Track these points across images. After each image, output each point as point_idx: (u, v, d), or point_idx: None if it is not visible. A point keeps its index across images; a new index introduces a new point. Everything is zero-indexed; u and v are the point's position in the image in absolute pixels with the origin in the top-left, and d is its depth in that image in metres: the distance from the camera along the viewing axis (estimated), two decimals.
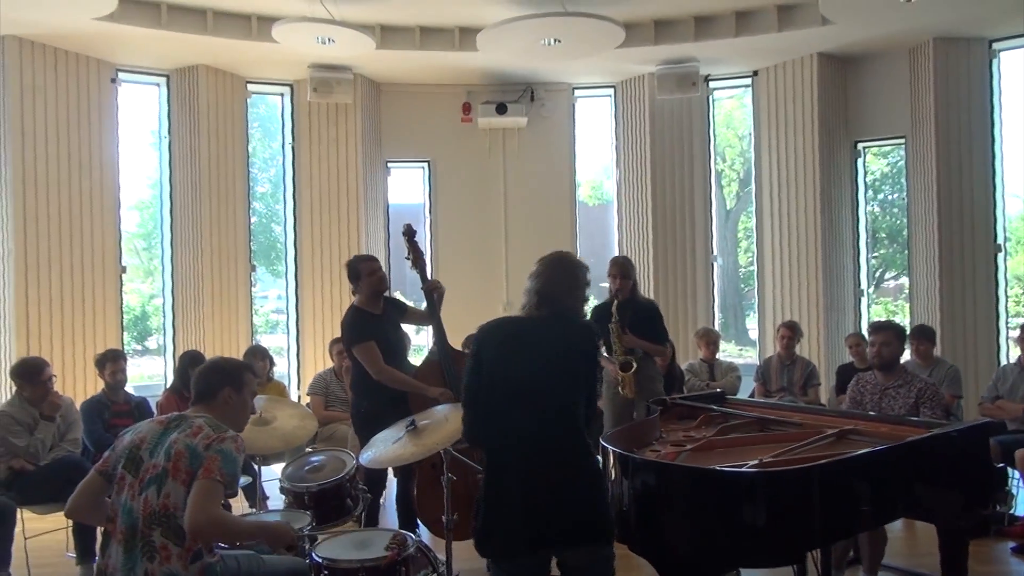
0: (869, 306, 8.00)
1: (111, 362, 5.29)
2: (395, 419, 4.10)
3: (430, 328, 4.87)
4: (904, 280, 11.89)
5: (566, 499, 2.44)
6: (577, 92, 8.39)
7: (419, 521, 4.37)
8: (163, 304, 7.72)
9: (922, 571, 4.11)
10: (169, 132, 7.52)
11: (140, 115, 8.08)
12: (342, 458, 3.59)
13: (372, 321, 4.36)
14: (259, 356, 5.98)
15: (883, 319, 4.43)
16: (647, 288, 7.77)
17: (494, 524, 2.48)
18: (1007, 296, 7.25)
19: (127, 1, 6.06)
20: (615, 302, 4.88)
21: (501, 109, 7.84)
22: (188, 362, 5.50)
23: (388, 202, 8.34)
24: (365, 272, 4.39)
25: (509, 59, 7.25)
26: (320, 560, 2.90)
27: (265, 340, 8.74)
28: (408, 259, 4.52)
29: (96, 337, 6.87)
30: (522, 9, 6.30)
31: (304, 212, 7.94)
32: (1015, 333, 5.89)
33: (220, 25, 6.62)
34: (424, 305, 4.61)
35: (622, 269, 4.96)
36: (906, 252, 7.63)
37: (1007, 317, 7.24)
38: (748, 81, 8.01)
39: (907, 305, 7.73)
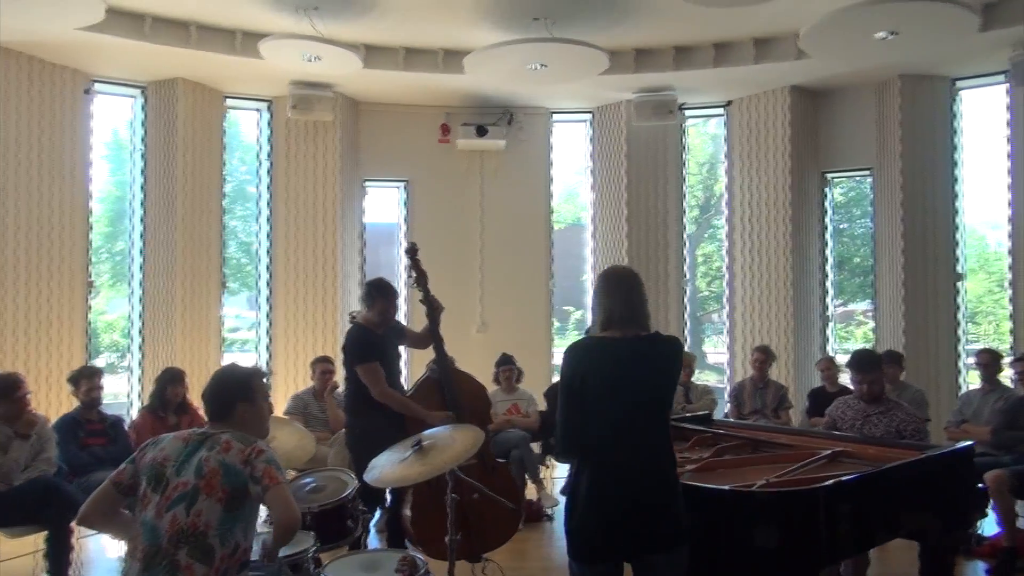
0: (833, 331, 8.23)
1: (87, 379, 5.15)
2: (391, 438, 4.10)
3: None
4: (853, 306, 12.30)
5: (657, 507, 2.56)
6: (554, 116, 8.50)
7: (408, 542, 4.34)
8: (131, 321, 7.55)
9: None
10: (144, 145, 7.40)
11: (109, 126, 7.96)
12: (343, 479, 3.56)
13: (377, 341, 4.37)
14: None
15: (865, 353, 4.54)
16: None
17: (589, 530, 2.57)
18: (966, 323, 7.53)
19: (114, 11, 5.97)
20: None
21: (481, 131, 7.90)
22: (167, 380, 5.41)
23: (364, 221, 8.32)
24: (386, 300, 4.42)
25: (493, 82, 7.33)
26: None
27: (229, 359, 8.61)
28: (410, 277, 4.55)
29: (61, 352, 6.69)
30: (506, 33, 6.40)
31: (279, 228, 7.87)
32: (971, 360, 6.13)
33: (204, 39, 6.57)
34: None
35: None
36: (855, 279, 7.88)
37: (966, 344, 7.51)
38: (721, 111, 8.22)
39: (857, 330, 7.96)
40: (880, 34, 5.76)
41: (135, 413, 6.98)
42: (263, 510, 2.72)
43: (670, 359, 2.71)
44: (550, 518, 6.03)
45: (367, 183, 8.34)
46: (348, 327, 4.55)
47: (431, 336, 4.57)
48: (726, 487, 2.85)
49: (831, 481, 2.84)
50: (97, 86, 7.09)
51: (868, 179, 7.88)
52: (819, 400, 6.61)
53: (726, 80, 7.47)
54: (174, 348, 7.20)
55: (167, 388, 5.36)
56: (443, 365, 4.48)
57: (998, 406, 5.41)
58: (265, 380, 2.95)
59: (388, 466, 3.25)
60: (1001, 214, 7.14)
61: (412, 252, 4.63)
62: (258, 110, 8.08)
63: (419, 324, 4.88)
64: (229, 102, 7.79)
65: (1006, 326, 7.00)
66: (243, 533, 2.59)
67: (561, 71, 6.67)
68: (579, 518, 2.59)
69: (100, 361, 7.74)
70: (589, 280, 8.82)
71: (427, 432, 3.43)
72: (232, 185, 8.56)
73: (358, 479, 3.57)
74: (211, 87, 7.52)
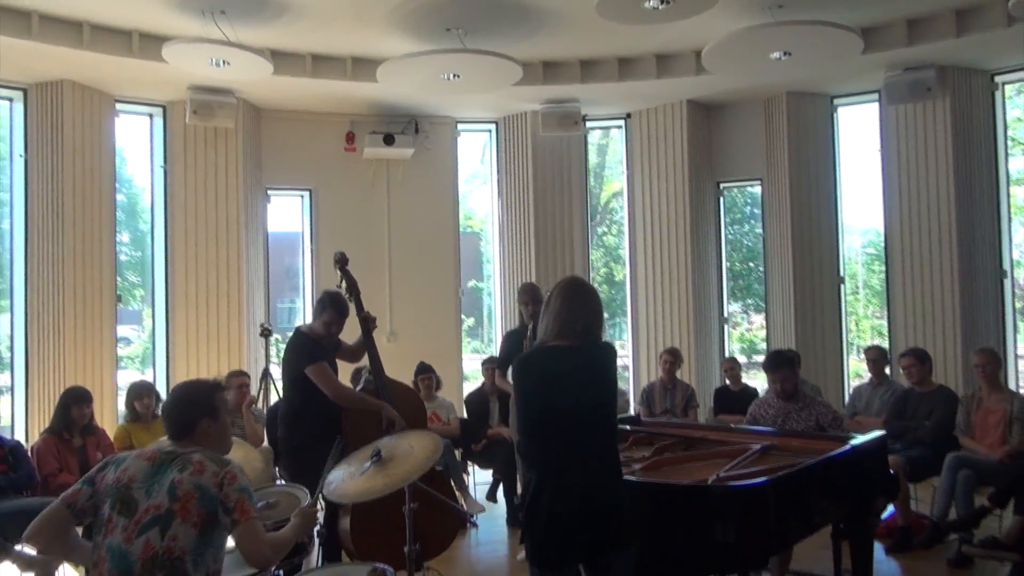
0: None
1: None
2: (327, 450, 4.05)
3: None
4: (734, 307, 13.06)
5: (612, 509, 2.62)
6: (460, 126, 8.57)
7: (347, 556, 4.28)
8: (12, 338, 7.01)
9: (817, 572, 4.52)
10: (26, 150, 6.91)
11: None
12: (295, 495, 3.47)
13: (320, 346, 4.30)
14: (140, 394, 5.56)
15: (775, 353, 4.86)
16: None
17: (554, 538, 2.61)
18: (846, 323, 8.14)
19: None
20: (531, 325, 5.02)
21: (389, 140, 7.86)
22: (72, 399, 5.10)
23: (268, 230, 8.09)
24: (337, 313, 4.35)
25: (402, 91, 7.31)
26: None
27: (125, 377, 8.15)
28: (339, 287, 4.48)
29: None
30: (418, 43, 6.42)
31: (178, 238, 7.53)
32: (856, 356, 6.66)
33: (97, 40, 6.23)
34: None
35: (533, 295, 5.14)
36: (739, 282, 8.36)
37: (847, 342, 8.12)
38: (621, 123, 8.54)
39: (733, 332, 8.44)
40: (775, 54, 6.17)
41: (19, 437, 6.51)
42: None
43: (612, 362, 2.80)
44: (475, 524, 6.06)
45: (270, 191, 8.12)
46: (290, 336, 4.45)
47: (364, 348, 4.54)
48: (686, 483, 3.00)
49: (782, 472, 3.04)
50: None
51: (758, 188, 8.39)
52: (724, 398, 7.00)
53: (627, 93, 7.78)
54: (64, 367, 6.75)
55: (72, 408, 5.04)
56: (379, 375, 4.45)
57: (887, 398, 5.89)
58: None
59: (348, 479, 3.21)
60: (876, 220, 7.78)
61: (343, 262, 4.58)
62: (150, 115, 7.72)
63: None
64: (119, 106, 7.40)
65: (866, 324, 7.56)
66: (213, 558, 2.51)
67: (475, 81, 6.74)
68: (542, 528, 2.64)
69: None
70: (491, 287, 8.93)
71: (382, 442, 3.41)
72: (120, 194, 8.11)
73: (310, 493, 3.49)
74: (101, 90, 7.12)
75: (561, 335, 2.75)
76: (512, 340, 5.26)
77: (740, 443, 3.99)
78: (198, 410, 2.65)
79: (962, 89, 7.18)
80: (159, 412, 5.77)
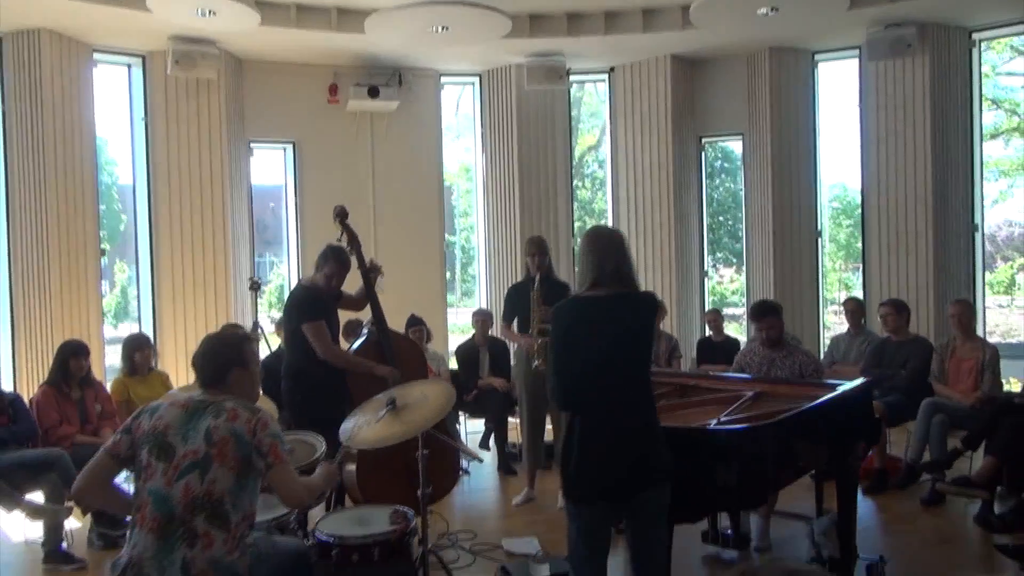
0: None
1: None
2: (333, 403, 4.16)
3: None
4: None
5: (644, 450, 2.76)
6: (443, 79, 8.52)
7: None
8: None
9: (799, 512, 4.75)
10: (3, 101, 6.76)
11: None
12: (311, 442, 3.57)
13: (322, 301, 4.36)
14: (140, 346, 5.61)
15: (761, 302, 5.04)
16: (516, 269, 8.12)
17: (585, 474, 2.76)
18: (823, 275, 8.37)
19: None
20: (537, 278, 5.12)
21: (374, 92, 7.79)
22: (69, 353, 5.12)
23: (251, 183, 8.04)
24: (339, 265, 4.42)
25: (387, 43, 7.25)
26: (328, 539, 2.93)
27: (111, 330, 8.15)
28: (340, 240, 4.53)
29: None
30: None
31: (160, 191, 7.45)
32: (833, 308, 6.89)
33: None
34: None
35: (540, 247, 5.21)
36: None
37: (822, 293, 8.37)
38: (604, 76, 8.56)
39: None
40: (763, 9, 6.24)
41: (7, 389, 6.50)
42: None
43: (647, 312, 2.93)
44: (467, 472, 6.23)
45: (252, 144, 8.04)
46: (293, 287, 4.50)
47: (367, 298, 4.60)
48: (693, 425, 3.15)
49: (782, 416, 3.21)
50: None
51: (730, 143, 8.49)
52: (707, 349, 7.21)
53: (612, 47, 7.79)
54: (51, 322, 6.72)
55: (70, 361, 5.05)
56: (381, 326, 4.53)
57: (865, 348, 6.12)
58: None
59: (364, 426, 3.31)
60: (843, 175, 7.94)
61: (343, 216, 4.62)
62: (128, 65, 7.57)
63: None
64: (97, 56, 7.24)
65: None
66: (250, 499, 2.61)
67: (463, 34, 6.73)
68: (574, 464, 2.78)
69: None
70: (464, 241, 8.98)
71: (397, 390, 3.51)
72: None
73: (325, 439, 3.60)
74: (78, 39, 6.96)
75: (596, 284, 2.85)
76: (517, 292, 5.35)
77: (733, 390, 4.15)
78: (229, 360, 2.72)
79: (941, 46, 7.32)
80: (153, 365, 5.85)
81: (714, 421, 3.35)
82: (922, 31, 7.14)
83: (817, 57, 8.05)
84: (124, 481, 3.15)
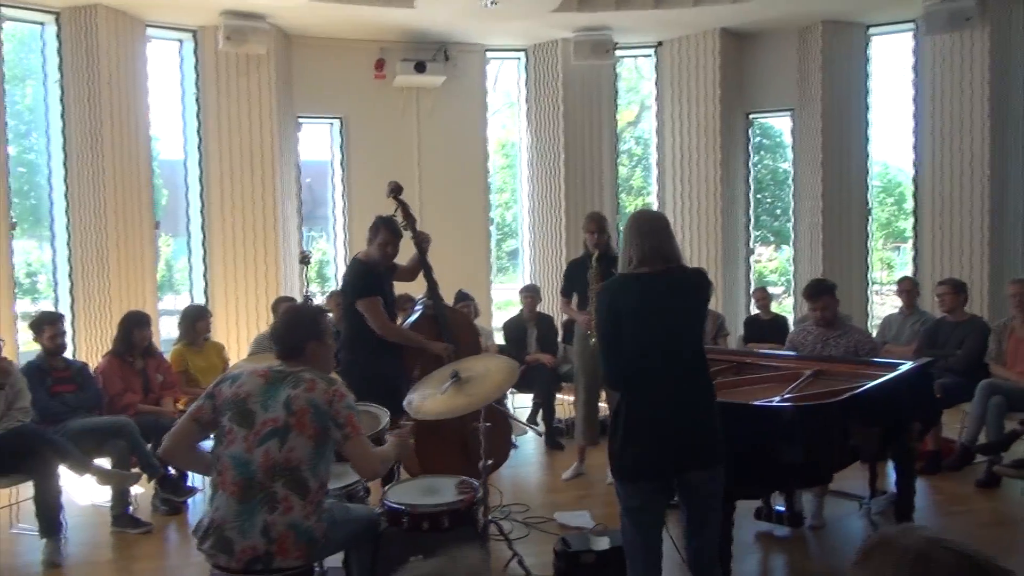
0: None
1: (50, 325, 4.91)
2: (392, 377, 4.23)
3: None
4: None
5: (700, 428, 2.77)
6: (489, 54, 8.50)
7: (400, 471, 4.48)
8: (55, 264, 7.12)
9: (851, 491, 4.73)
10: (61, 76, 6.88)
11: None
12: (375, 413, 3.64)
13: (377, 276, 4.40)
14: (202, 316, 5.75)
15: (816, 282, 5.00)
16: (561, 245, 8.12)
17: (629, 453, 2.79)
18: (872, 254, 8.25)
19: None
20: (595, 254, 5.11)
21: (421, 67, 7.81)
22: (133, 324, 5.25)
23: (300, 159, 8.12)
24: (391, 234, 4.42)
25: (434, 18, 7.25)
26: (399, 507, 3.00)
27: (167, 302, 8.32)
28: (395, 215, 4.56)
29: None
30: None
31: (212, 166, 7.56)
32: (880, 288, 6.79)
33: None
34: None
35: (599, 224, 5.20)
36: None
37: (871, 272, 8.26)
38: (651, 51, 8.47)
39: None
40: None
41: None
42: None
43: (697, 289, 2.91)
44: (515, 447, 6.29)
45: (300, 119, 8.11)
46: (350, 261, 4.56)
47: (420, 269, 4.64)
48: (757, 403, 3.16)
49: (847, 394, 3.20)
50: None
51: (775, 120, 8.37)
52: (754, 327, 7.17)
53: (660, 21, 7.71)
54: (109, 293, 6.88)
55: (133, 332, 5.18)
56: (437, 299, 4.58)
57: (918, 328, 6.05)
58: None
59: (428, 398, 3.37)
60: (888, 153, 7.78)
61: (397, 191, 4.64)
62: (179, 40, 7.66)
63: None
64: (150, 31, 7.34)
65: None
66: (325, 468, 2.68)
67: (512, 8, 6.71)
68: (620, 442, 2.80)
69: (22, 307, 7.23)
70: (507, 218, 9.00)
71: (460, 363, 3.56)
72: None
73: (391, 412, 3.66)
74: (132, 15, 7.05)
75: (641, 263, 2.85)
76: (575, 268, 5.37)
77: (792, 368, 4.15)
78: (306, 333, 2.79)
79: (1002, 18, 7.12)
80: (209, 335, 5.98)
81: (777, 398, 3.35)
82: (982, 3, 6.95)
83: (871, 31, 7.88)
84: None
